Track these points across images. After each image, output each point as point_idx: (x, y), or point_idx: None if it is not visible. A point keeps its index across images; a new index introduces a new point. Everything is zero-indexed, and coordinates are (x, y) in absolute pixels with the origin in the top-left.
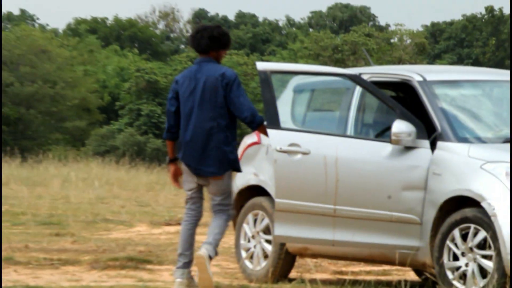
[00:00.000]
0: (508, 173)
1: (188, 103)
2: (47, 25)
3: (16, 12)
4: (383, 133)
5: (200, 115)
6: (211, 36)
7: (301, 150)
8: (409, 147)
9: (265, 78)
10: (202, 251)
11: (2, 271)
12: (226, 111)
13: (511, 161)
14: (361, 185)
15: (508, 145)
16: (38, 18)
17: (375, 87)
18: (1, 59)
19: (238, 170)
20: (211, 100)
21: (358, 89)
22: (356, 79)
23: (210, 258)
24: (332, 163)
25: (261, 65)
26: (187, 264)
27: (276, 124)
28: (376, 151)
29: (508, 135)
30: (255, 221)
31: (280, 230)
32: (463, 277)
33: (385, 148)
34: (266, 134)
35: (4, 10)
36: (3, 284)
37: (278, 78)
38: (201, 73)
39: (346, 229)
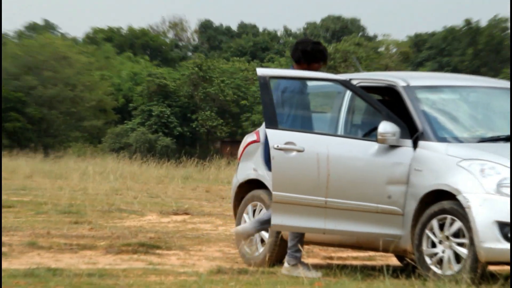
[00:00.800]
0: (483, 169)
1: None
2: (68, 34)
3: (40, 22)
4: (370, 133)
5: None
6: (304, 51)
7: (296, 148)
8: (393, 146)
9: (264, 82)
10: None
11: (27, 254)
12: None
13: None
14: (350, 179)
15: (483, 144)
16: (59, 28)
17: (363, 91)
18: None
19: None
20: None
21: (348, 93)
22: (346, 84)
23: None
24: (324, 160)
25: (261, 71)
26: None
27: (274, 124)
28: (363, 149)
29: (483, 136)
30: (254, 211)
31: (277, 219)
32: (440, 262)
33: (372, 146)
34: None
35: (29, 20)
36: (28, 266)
37: (276, 83)
38: None
39: (336, 219)
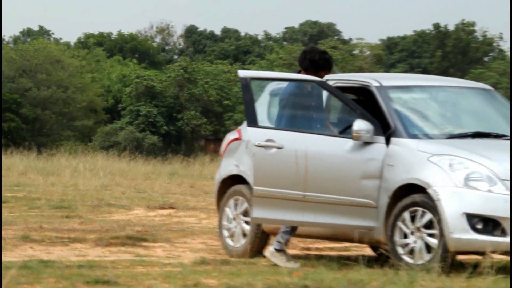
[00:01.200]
0: (452, 164)
1: None
2: (61, 39)
3: (35, 28)
4: (345, 131)
5: None
6: (312, 60)
7: (276, 145)
8: (367, 142)
9: (246, 84)
10: None
11: (21, 247)
12: None
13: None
14: (326, 174)
15: (452, 140)
16: (53, 33)
17: (338, 91)
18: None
19: None
20: None
21: (325, 93)
22: (323, 85)
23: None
24: (302, 156)
25: (242, 73)
26: None
27: (254, 123)
28: (339, 146)
29: (452, 132)
30: (236, 205)
31: (257, 213)
32: (411, 252)
33: (347, 143)
34: None
35: (24, 26)
36: (21, 258)
37: (256, 84)
38: None
39: (314, 212)
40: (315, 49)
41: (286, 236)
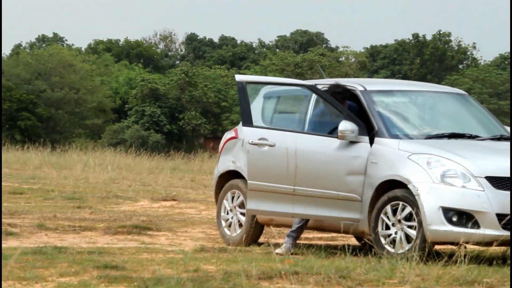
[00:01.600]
0: (430, 162)
1: None
2: (73, 45)
3: (50, 34)
4: (332, 131)
5: None
6: (333, 93)
7: (268, 143)
8: (353, 142)
9: (242, 87)
10: None
11: (36, 234)
12: None
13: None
14: (315, 171)
15: (429, 140)
16: (66, 40)
17: (327, 95)
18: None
19: None
20: None
21: (314, 97)
22: (313, 89)
23: None
24: (292, 153)
25: (239, 77)
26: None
27: (249, 123)
28: (327, 145)
29: (429, 133)
30: (232, 198)
31: (252, 205)
32: (393, 242)
33: (334, 142)
34: None
35: (40, 33)
36: (37, 245)
37: (252, 87)
38: None
39: (303, 204)
40: (337, 85)
41: (290, 240)
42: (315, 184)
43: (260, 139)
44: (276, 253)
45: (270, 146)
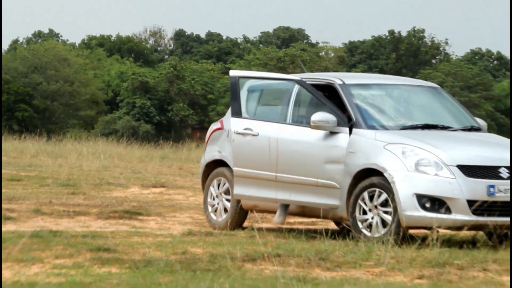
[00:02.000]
0: (404, 151)
1: None
2: (67, 40)
3: (45, 30)
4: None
5: None
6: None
7: (252, 133)
8: (332, 132)
9: (234, 81)
10: None
11: (33, 219)
12: None
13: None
14: (295, 159)
15: (404, 131)
16: (61, 35)
17: (313, 88)
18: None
19: None
20: None
21: (295, 90)
22: (301, 83)
23: None
24: (274, 143)
25: (233, 72)
26: None
27: (238, 114)
28: (307, 134)
29: (404, 124)
30: (218, 185)
31: (238, 190)
32: (369, 226)
33: (314, 132)
34: None
35: (36, 29)
36: (33, 228)
37: (242, 82)
38: None
39: (285, 190)
40: None
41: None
42: (296, 172)
43: (244, 129)
44: (274, 222)
45: (254, 135)
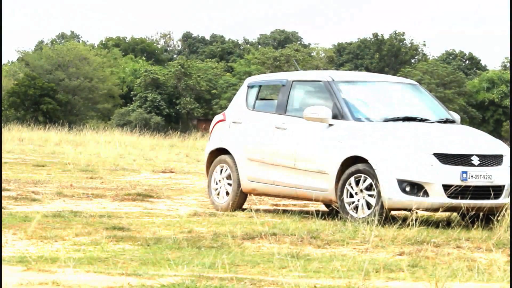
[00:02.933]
0: (386, 141)
1: None
2: (87, 41)
3: (68, 32)
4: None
5: None
6: None
7: (253, 122)
8: (323, 124)
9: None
10: None
11: (55, 200)
12: None
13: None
14: (291, 147)
15: (387, 123)
16: (81, 36)
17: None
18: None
19: None
20: None
21: (292, 85)
22: (329, 84)
23: None
24: (272, 132)
25: (249, 79)
26: None
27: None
28: (302, 126)
29: (387, 117)
30: (221, 171)
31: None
32: (356, 208)
33: (306, 123)
34: None
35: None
36: (56, 209)
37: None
38: None
39: (282, 174)
40: None
41: None
42: (291, 159)
43: (245, 120)
44: None
45: (255, 125)
